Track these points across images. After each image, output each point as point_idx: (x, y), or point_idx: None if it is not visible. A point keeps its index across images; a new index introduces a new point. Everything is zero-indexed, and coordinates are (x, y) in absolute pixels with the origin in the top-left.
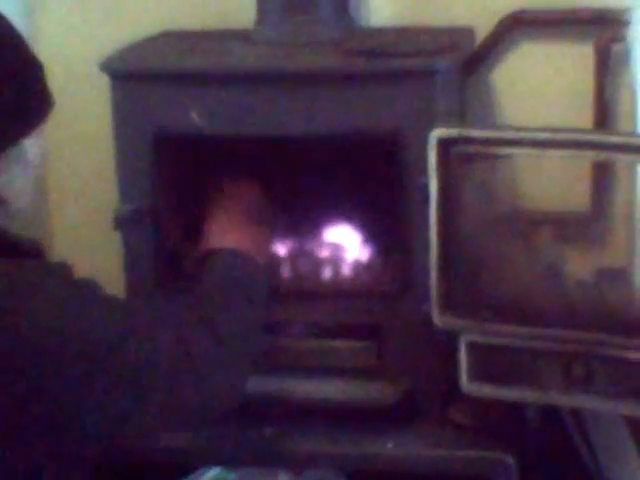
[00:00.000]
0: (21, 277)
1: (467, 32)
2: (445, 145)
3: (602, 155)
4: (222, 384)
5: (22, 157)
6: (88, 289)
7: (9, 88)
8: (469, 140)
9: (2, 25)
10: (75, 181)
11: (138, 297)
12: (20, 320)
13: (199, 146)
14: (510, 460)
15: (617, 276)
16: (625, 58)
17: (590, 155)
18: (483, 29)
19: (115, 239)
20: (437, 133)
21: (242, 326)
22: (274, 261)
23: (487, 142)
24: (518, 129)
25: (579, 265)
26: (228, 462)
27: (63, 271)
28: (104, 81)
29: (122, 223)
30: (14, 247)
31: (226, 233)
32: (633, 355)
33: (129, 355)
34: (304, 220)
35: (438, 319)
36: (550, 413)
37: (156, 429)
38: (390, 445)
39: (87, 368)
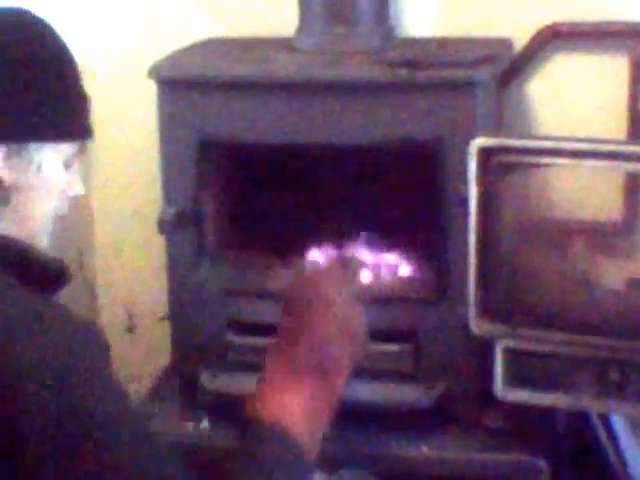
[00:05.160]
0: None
1: (505, 43)
2: (485, 154)
3: (636, 166)
4: None
5: (33, 165)
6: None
7: (42, 86)
8: (509, 149)
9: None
10: (119, 184)
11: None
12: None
13: (243, 152)
14: (542, 464)
15: None
16: None
17: (625, 166)
18: (520, 40)
19: (158, 242)
20: (477, 142)
21: None
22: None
23: (526, 151)
24: (556, 139)
25: (612, 274)
26: None
27: (88, 329)
28: (151, 87)
29: (166, 226)
30: (37, 267)
31: (278, 391)
32: None
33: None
34: (345, 226)
35: (474, 325)
36: (580, 418)
37: None
38: (424, 448)
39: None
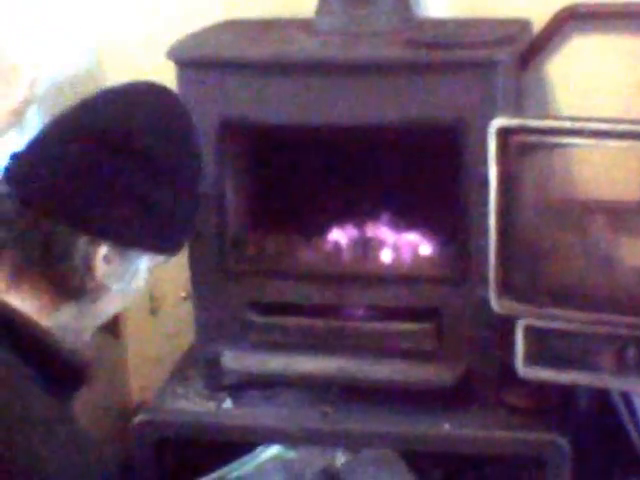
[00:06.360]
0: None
1: (524, 24)
2: (505, 134)
3: None
4: None
5: (131, 271)
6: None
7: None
8: (528, 130)
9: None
10: None
11: None
12: None
13: (263, 133)
14: (563, 442)
15: None
16: None
17: None
18: (539, 21)
19: None
20: (497, 123)
21: None
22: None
23: (546, 132)
24: (576, 119)
25: (632, 252)
26: (288, 440)
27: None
28: (170, 69)
29: None
30: (59, 361)
31: None
32: None
33: None
34: (366, 206)
35: (496, 303)
36: (602, 397)
37: None
38: (446, 426)
39: None
